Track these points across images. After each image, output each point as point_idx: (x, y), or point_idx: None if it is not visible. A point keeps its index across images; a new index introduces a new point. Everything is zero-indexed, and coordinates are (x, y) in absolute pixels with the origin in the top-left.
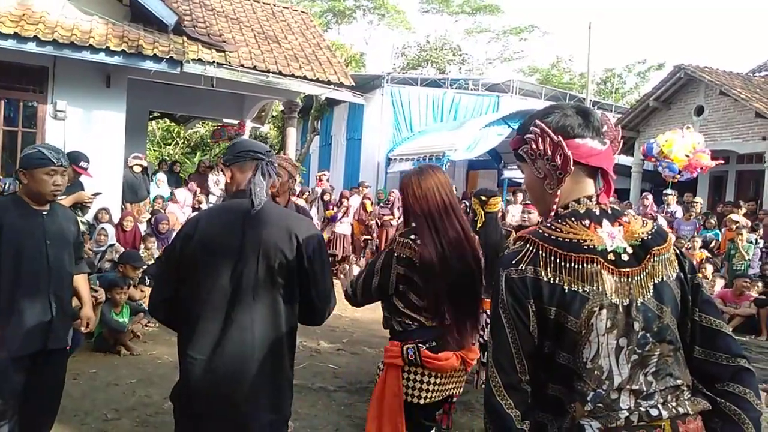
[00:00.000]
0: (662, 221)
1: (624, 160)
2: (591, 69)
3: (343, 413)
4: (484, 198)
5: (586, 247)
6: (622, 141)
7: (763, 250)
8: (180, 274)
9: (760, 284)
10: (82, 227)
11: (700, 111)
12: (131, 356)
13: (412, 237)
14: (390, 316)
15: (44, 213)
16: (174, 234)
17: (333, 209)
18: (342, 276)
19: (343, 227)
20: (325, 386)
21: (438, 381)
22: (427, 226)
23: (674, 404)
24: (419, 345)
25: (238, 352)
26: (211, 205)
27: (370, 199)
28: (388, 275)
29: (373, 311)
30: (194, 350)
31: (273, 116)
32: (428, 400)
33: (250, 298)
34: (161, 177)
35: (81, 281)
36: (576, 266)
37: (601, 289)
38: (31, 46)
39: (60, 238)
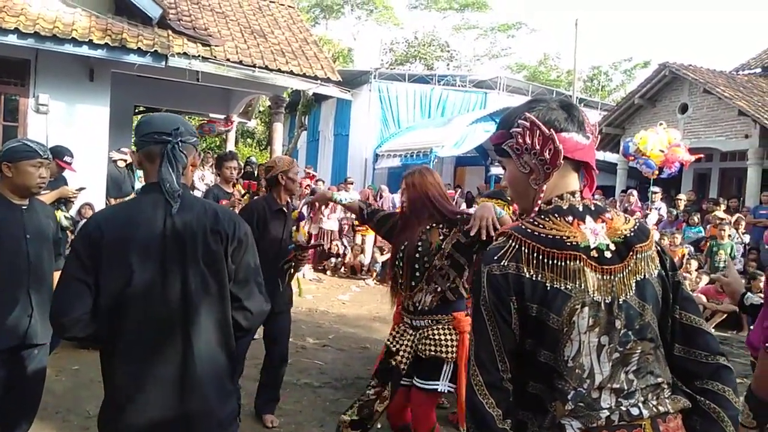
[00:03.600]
0: (653, 218)
1: (610, 157)
2: (578, 66)
3: (329, 409)
4: (510, 198)
5: (569, 243)
6: (607, 138)
7: (746, 246)
8: (92, 281)
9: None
10: (66, 222)
11: (684, 109)
12: None
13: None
14: (460, 280)
15: (24, 208)
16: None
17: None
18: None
19: (331, 223)
20: (310, 382)
21: None
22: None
23: (655, 403)
24: None
25: (177, 357)
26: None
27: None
28: None
29: (359, 308)
30: (126, 361)
31: (260, 111)
32: None
33: (184, 305)
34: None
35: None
36: (559, 263)
37: (583, 287)
38: (11, 39)
39: (40, 233)
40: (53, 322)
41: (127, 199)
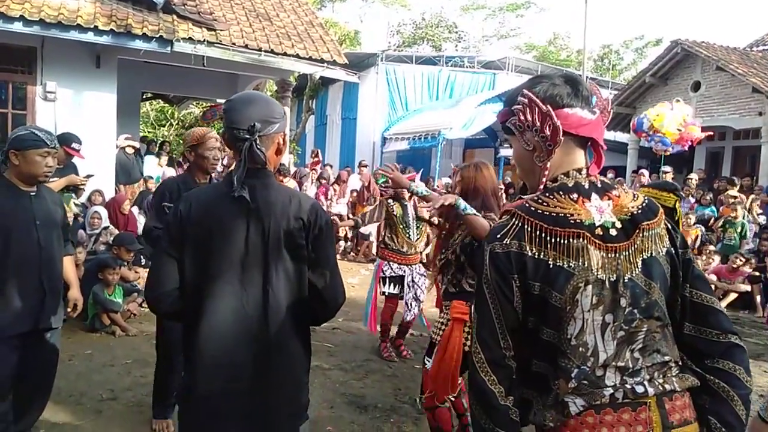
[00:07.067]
0: None
1: (620, 137)
2: (588, 45)
3: (338, 391)
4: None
5: (572, 221)
6: (618, 118)
7: (761, 226)
8: (180, 257)
9: (753, 260)
10: (76, 209)
11: (696, 86)
12: (127, 337)
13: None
14: (462, 277)
15: (32, 194)
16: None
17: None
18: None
19: (339, 207)
20: (320, 364)
21: None
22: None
23: (661, 381)
24: None
25: (255, 343)
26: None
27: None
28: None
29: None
30: (206, 342)
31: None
32: None
33: (263, 284)
34: (151, 159)
35: (68, 263)
36: (561, 241)
37: (587, 265)
38: (17, 26)
39: (49, 219)
40: (148, 295)
41: (215, 182)
